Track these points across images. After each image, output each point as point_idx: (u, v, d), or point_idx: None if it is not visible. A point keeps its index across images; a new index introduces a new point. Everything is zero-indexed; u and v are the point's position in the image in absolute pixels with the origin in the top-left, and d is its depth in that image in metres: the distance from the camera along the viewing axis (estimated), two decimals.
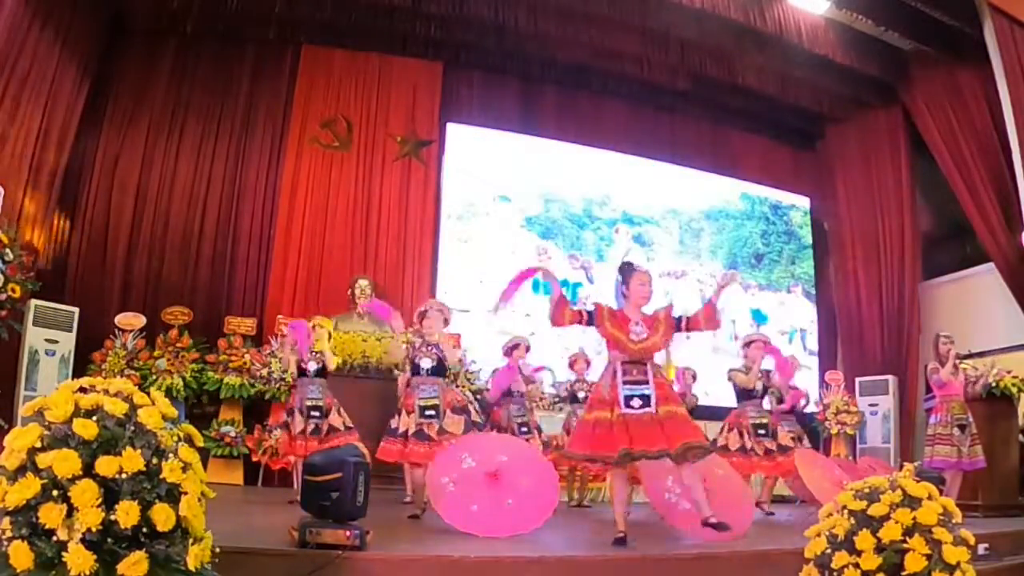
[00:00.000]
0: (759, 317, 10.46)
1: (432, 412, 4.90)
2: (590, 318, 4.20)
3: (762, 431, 5.92)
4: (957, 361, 6.21)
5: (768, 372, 6.22)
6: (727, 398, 6.54)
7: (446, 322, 5.30)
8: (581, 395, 6.61)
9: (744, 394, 6.11)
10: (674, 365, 6.34)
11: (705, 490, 4.19)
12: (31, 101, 6.76)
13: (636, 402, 3.98)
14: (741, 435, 5.94)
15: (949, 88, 8.81)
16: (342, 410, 5.78)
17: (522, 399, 6.44)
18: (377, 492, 3.70)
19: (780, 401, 6.55)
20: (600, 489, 7.53)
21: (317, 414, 5.65)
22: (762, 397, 6.15)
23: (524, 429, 6.24)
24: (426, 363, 5.04)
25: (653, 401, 4.00)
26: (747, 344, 6.22)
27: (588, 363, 6.97)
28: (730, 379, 6.17)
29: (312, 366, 5.80)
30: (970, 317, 8.98)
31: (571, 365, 7.05)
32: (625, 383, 4.04)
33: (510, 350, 6.57)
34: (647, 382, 4.05)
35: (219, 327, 7.75)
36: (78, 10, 7.35)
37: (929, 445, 6.22)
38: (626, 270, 4.36)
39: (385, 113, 9.17)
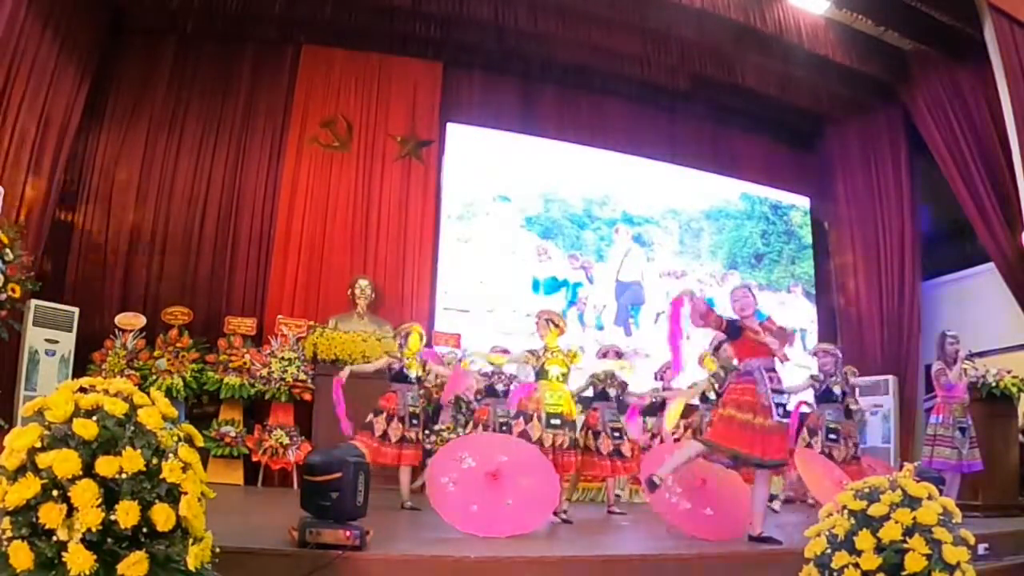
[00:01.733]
0: (759, 317, 10.44)
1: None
2: (729, 328, 4.37)
3: (833, 436, 5.94)
4: (965, 365, 6.20)
5: (846, 375, 6.29)
6: None
7: (559, 330, 5.51)
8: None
9: (823, 397, 6.11)
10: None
11: (706, 488, 4.22)
12: (31, 101, 6.76)
13: (778, 411, 4.20)
14: (814, 435, 5.93)
15: (949, 88, 8.81)
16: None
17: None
18: (377, 492, 3.70)
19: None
20: (599, 489, 7.53)
21: (416, 422, 5.67)
22: (842, 401, 6.17)
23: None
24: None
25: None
26: (814, 354, 6.32)
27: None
28: (811, 386, 6.21)
29: (412, 373, 5.75)
30: (970, 317, 8.97)
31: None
32: (773, 391, 4.23)
33: (662, 373, 6.79)
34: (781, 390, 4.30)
35: (219, 327, 7.74)
36: (78, 10, 7.35)
37: (929, 445, 6.21)
38: (731, 291, 4.59)
39: (385, 113, 9.17)
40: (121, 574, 1.77)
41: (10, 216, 6.20)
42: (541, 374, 5.28)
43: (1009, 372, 6.80)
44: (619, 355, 6.50)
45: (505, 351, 6.37)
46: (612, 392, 6.25)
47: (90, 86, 7.80)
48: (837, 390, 6.12)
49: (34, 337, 6.50)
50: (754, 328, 4.29)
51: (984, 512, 5.99)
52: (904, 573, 2.39)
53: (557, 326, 5.46)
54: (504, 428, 6.10)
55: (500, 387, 6.39)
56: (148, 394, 2.07)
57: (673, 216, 10.43)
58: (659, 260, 10.21)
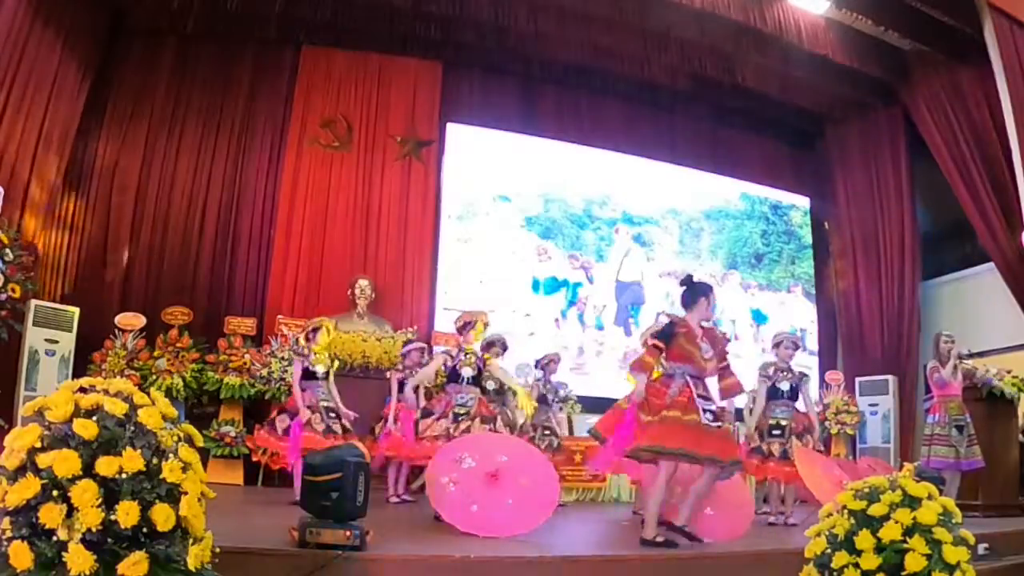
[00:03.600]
0: (759, 317, 10.47)
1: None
2: (665, 340, 4.21)
3: (777, 431, 5.62)
4: (957, 361, 6.20)
5: (802, 373, 5.97)
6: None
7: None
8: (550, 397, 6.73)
9: (772, 394, 5.85)
10: None
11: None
12: (32, 101, 6.77)
13: (709, 416, 4.09)
14: (761, 436, 5.80)
15: (949, 88, 8.81)
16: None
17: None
18: (377, 492, 3.70)
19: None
20: (600, 489, 7.54)
21: (334, 415, 5.69)
22: (791, 398, 5.82)
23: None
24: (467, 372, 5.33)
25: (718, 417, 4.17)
26: (776, 344, 5.98)
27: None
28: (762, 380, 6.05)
29: (320, 369, 5.77)
30: (970, 317, 8.98)
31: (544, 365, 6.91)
32: (699, 396, 4.13)
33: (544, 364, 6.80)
34: (711, 399, 4.21)
35: (219, 327, 7.73)
36: (78, 10, 7.35)
37: (926, 445, 6.22)
38: (703, 288, 4.39)
39: (385, 113, 9.17)
40: (121, 574, 1.76)
41: (11, 216, 6.21)
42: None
43: (1009, 372, 6.80)
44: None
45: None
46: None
47: (91, 86, 7.80)
48: (785, 386, 5.81)
49: (34, 337, 6.49)
50: (690, 335, 4.20)
51: (984, 512, 6.00)
52: (904, 573, 2.39)
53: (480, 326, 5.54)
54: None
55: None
56: (148, 394, 2.07)
57: (673, 216, 10.43)
58: (659, 260, 10.21)
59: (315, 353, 5.78)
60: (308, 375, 5.75)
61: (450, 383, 5.40)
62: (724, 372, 4.30)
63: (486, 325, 5.48)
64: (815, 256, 11.16)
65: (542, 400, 6.54)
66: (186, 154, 8.43)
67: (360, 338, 7.39)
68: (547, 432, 6.51)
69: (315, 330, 5.88)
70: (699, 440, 3.98)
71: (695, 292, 4.34)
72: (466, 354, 5.35)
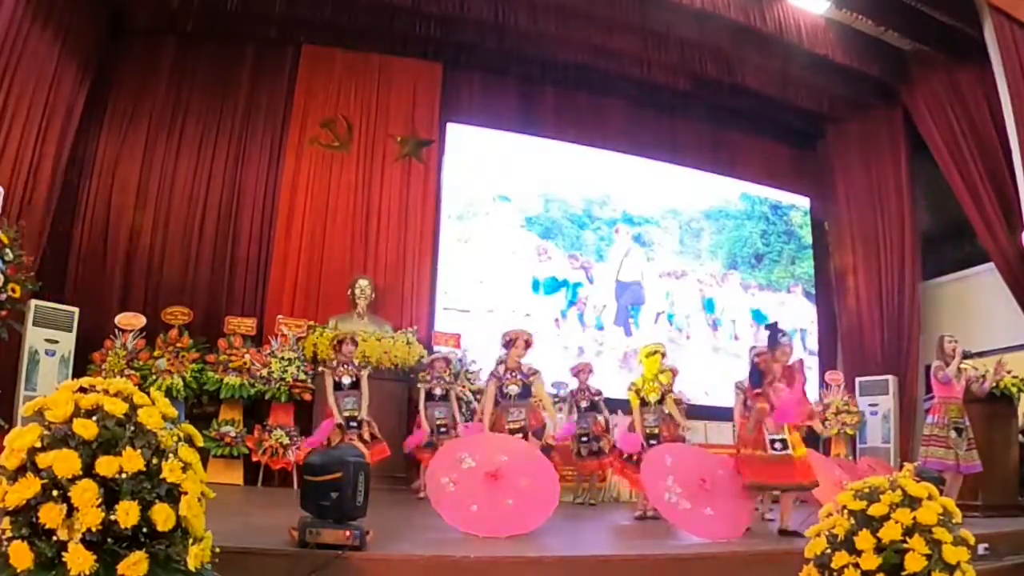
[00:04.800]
0: (759, 317, 10.46)
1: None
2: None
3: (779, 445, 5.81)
4: (961, 361, 6.20)
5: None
6: (728, 398, 6.53)
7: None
8: (584, 404, 6.98)
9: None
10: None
11: (706, 488, 4.23)
12: (31, 101, 6.76)
13: (779, 445, 4.67)
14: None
15: (949, 88, 8.81)
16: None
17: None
18: (377, 492, 3.70)
19: None
20: (600, 490, 7.54)
21: (355, 424, 5.85)
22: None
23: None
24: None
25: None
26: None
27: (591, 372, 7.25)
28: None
29: (346, 380, 5.92)
30: (970, 317, 8.97)
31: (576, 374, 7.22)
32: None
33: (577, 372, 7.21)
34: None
35: (219, 327, 7.73)
36: (78, 10, 7.35)
37: (924, 446, 6.20)
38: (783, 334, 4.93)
39: (385, 113, 9.17)
40: (121, 574, 1.76)
41: (11, 216, 6.20)
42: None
43: (1009, 372, 6.80)
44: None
45: None
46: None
47: (90, 86, 7.80)
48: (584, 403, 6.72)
49: (34, 337, 6.49)
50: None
51: (984, 512, 5.99)
52: (904, 573, 2.39)
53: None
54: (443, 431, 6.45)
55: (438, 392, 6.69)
56: (148, 394, 2.07)
57: (673, 216, 10.43)
58: (659, 260, 10.21)
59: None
60: (335, 386, 5.88)
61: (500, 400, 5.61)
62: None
63: (527, 343, 5.58)
64: (815, 256, 11.16)
65: (579, 409, 6.98)
66: (186, 154, 8.43)
67: (360, 338, 7.37)
68: (586, 438, 6.76)
69: (340, 342, 6.08)
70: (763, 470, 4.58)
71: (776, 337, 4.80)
72: (512, 372, 5.49)
